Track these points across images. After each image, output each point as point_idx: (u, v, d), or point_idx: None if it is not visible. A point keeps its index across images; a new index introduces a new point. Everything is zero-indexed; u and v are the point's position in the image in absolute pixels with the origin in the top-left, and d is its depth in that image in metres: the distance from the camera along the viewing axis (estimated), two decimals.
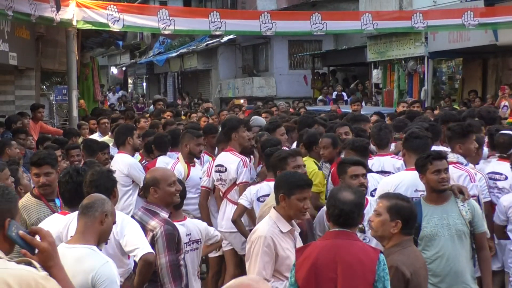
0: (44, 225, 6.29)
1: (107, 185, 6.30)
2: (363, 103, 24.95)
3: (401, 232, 5.57)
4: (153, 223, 6.31)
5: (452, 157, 7.96)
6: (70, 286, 3.86)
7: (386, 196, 5.89)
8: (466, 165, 8.03)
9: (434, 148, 9.81)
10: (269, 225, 6.04)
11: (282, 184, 6.14)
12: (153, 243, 6.18)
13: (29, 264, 3.65)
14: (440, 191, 6.59)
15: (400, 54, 26.68)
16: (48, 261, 3.74)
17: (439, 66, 28.05)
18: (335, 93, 28.11)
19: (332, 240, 5.34)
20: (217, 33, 18.21)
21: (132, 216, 6.49)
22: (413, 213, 5.68)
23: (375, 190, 8.07)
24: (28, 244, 3.70)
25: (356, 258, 5.18)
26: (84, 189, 6.24)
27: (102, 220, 5.12)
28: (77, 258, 4.97)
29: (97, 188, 6.09)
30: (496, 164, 8.74)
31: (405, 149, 7.84)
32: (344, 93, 28.19)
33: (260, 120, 13.07)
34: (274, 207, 6.17)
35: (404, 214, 5.57)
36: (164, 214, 6.41)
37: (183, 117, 17.99)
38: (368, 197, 7.83)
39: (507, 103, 19.19)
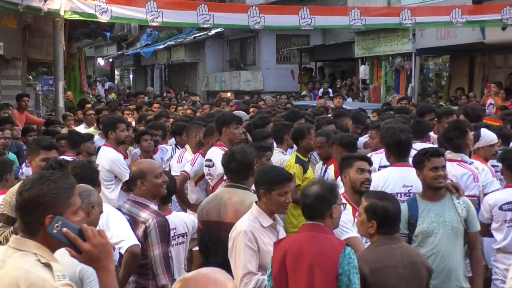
0: None
1: (92, 176, 6.33)
2: (350, 99, 25.08)
3: (378, 232, 5.58)
4: (145, 215, 6.35)
5: (456, 155, 8.05)
6: None
7: (367, 195, 5.90)
8: (470, 163, 8.09)
9: (421, 145, 9.95)
10: (250, 220, 6.02)
11: (261, 180, 6.11)
12: (145, 235, 6.24)
13: (50, 267, 3.56)
14: (436, 189, 6.62)
15: (388, 50, 26.71)
16: (93, 262, 3.65)
17: (426, 63, 28.15)
18: (321, 90, 28.15)
19: (304, 233, 5.45)
20: (205, 26, 18.23)
21: (119, 209, 6.49)
22: (388, 212, 5.58)
23: None
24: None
25: (320, 250, 5.24)
26: None
27: (89, 211, 5.08)
28: (64, 251, 4.93)
29: (82, 180, 5.97)
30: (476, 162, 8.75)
31: (390, 153, 7.89)
32: (330, 90, 28.20)
33: (241, 114, 13.12)
34: (256, 202, 6.14)
35: (378, 214, 5.56)
36: (154, 206, 6.46)
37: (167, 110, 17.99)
38: None
39: (492, 101, 19.30)
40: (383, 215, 5.55)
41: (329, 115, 13.23)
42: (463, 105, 17.49)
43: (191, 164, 9.61)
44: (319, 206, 5.44)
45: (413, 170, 7.30)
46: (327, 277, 5.17)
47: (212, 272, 3.07)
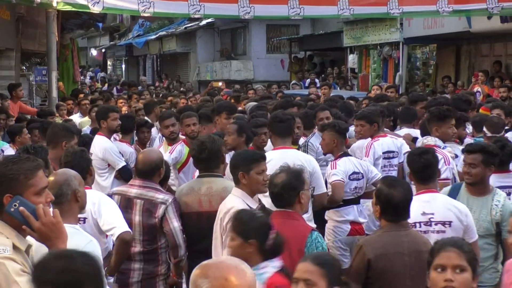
0: None
1: (83, 164, 6.45)
2: (338, 87, 25.32)
3: (382, 217, 5.56)
4: (161, 196, 6.71)
5: (430, 140, 8.26)
6: None
7: (381, 179, 6.03)
8: (443, 148, 8.24)
9: (407, 131, 10.23)
10: (241, 203, 6.07)
11: (238, 163, 6.28)
12: (164, 212, 6.61)
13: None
14: (467, 183, 6.77)
15: (376, 39, 26.92)
16: (44, 240, 3.80)
17: (413, 51, 28.34)
18: (308, 80, 28.34)
19: (274, 220, 5.51)
20: (196, 16, 18.34)
21: (124, 195, 6.80)
22: (392, 200, 5.49)
23: (353, 173, 8.34)
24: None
25: (288, 238, 5.27)
26: None
27: (76, 197, 5.11)
28: None
29: (73, 168, 6.05)
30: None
31: (270, 132, 8.15)
32: (317, 80, 28.35)
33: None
34: (236, 186, 6.29)
35: (381, 200, 5.52)
36: (163, 189, 6.88)
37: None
38: (345, 178, 8.17)
39: (479, 89, 19.60)
40: (385, 202, 5.49)
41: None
42: (451, 93, 17.87)
43: (169, 152, 9.59)
44: (287, 194, 5.60)
45: (291, 151, 7.80)
46: (294, 265, 5.22)
47: (231, 259, 3.19)
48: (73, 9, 17.07)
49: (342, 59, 31.07)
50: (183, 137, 10.07)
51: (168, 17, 38.98)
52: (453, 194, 6.69)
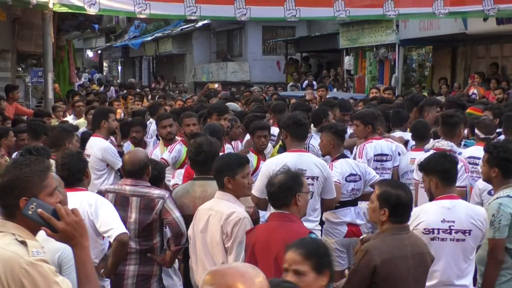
0: None
1: (79, 166, 6.45)
2: (335, 89, 25.37)
3: (389, 220, 5.46)
4: (157, 191, 6.73)
5: (445, 144, 8.07)
6: (89, 268, 3.82)
7: (379, 183, 5.93)
8: (459, 153, 8.13)
9: (400, 134, 10.21)
10: (236, 207, 6.08)
11: (223, 167, 6.22)
12: (162, 205, 6.63)
13: (25, 244, 3.67)
14: None
15: (372, 41, 26.99)
16: (68, 240, 3.76)
17: (409, 53, 28.31)
18: (306, 82, 28.36)
19: (271, 222, 5.66)
20: (192, 18, 18.35)
21: (119, 193, 6.79)
22: (401, 201, 5.46)
23: (350, 175, 8.30)
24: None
25: (284, 240, 5.25)
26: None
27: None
28: (43, 238, 4.63)
29: (70, 170, 6.25)
30: (475, 149, 8.72)
31: (287, 133, 7.95)
32: (314, 82, 28.37)
33: (233, 106, 13.39)
34: (220, 192, 6.26)
35: (391, 202, 5.43)
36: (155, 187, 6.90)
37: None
38: (341, 180, 8.13)
39: (475, 91, 19.67)
40: (395, 204, 5.43)
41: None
42: (446, 95, 17.89)
43: (169, 151, 9.69)
44: (283, 194, 5.60)
45: (307, 155, 7.69)
46: None
47: (242, 266, 3.10)
48: (69, 10, 17.08)
49: (338, 61, 31.08)
50: (179, 138, 10.10)
51: (164, 19, 39.02)
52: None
